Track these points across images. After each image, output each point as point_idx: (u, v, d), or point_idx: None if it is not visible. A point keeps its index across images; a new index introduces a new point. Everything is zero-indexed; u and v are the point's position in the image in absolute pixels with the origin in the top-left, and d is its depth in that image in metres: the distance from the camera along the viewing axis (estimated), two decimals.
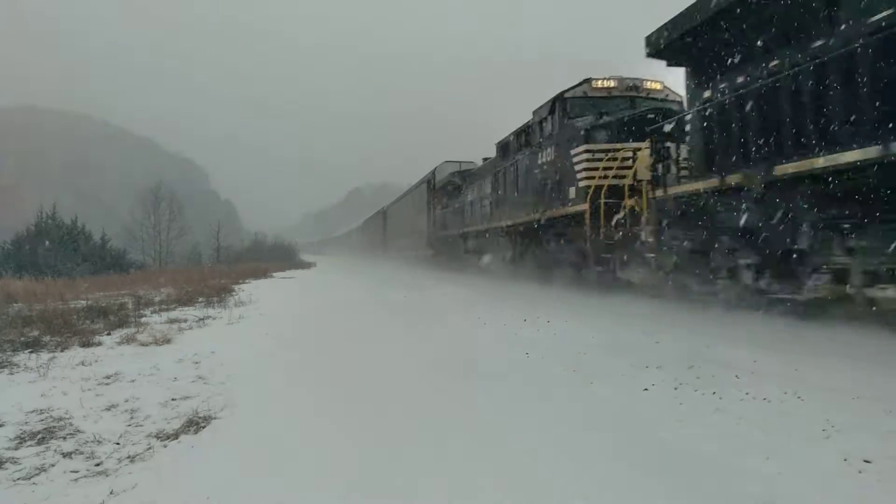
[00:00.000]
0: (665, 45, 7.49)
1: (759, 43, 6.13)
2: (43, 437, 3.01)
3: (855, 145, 4.64)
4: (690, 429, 2.86)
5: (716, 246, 6.45)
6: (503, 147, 14.90)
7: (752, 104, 5.96)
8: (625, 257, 8.49)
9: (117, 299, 10.09)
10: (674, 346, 4.83)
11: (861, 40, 4.68)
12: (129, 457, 2.71)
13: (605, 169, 9.30)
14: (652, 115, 9.18)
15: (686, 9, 6.95)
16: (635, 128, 9.33)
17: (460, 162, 22.01)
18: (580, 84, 11.03)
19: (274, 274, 23.18)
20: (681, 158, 7.42)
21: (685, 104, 7.93)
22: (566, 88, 11.06)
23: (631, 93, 10.78)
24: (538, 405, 3.38)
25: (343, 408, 3.45)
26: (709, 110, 6.72)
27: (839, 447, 2.50)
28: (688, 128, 7.29)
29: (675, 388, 3.59)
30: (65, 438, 2.99)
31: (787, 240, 5.48)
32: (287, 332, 6.79)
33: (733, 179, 6.06)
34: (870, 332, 4.84)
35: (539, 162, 11.97)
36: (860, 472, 2.28)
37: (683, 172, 7.30)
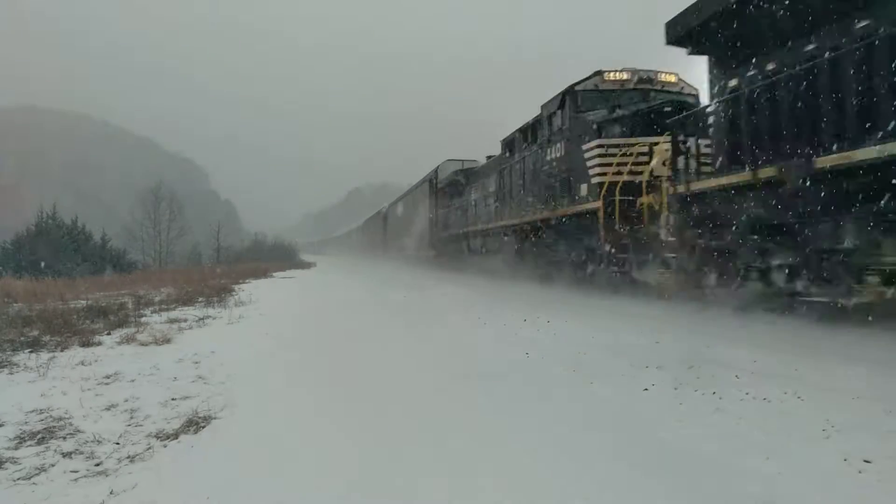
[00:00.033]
0: (687, 32, 7.08)
1: (793, 26, 5.69)
2: (43, 437, 3.01)
3: None
4: (690, 429, 2.85)
5: (745, 245, 6.04)
6: (508, 144, 14.45)
7: (786, 92, 5.57)
8: (641, 257, 8.14)
9: (117, 299, 10.09)
10: (674, 347, 4.83)
11: None
12: (129, 457, 2.70)
13: (619, 165, 8.87)
14: (668, 108, 8.70)
15: None
16: (651, 121, 8.89)
17: (463, 160, 21.67)
18: (591, 76, 10.57)
19: (274, 274, 23.20)
20: (701, 153, 7.07)
21: (707, 95, 7.42)
22: (576, 81, 10.61)
23: (644, 85, 10.34)
24: (538, 405, 3.38)
25: (343, 408, 3.45)
26: (736, 100, 6.30)
27: (839, 447, 2.50)
28: (711, 120, 6.88)
29: (675, 389, 3.59)
30: (65, 438, 2.99)
31: (829, 238, 5.07)
32: (287, 331, 6.79)
33: (767, 173, 5.62)
34: (870, 332, 4.84)
35: (548, 158, 11.55)
36: (860, 472, 2.28)
37: (706, 168, 6.95)
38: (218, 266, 27.54)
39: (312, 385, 4.10)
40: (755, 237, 5.91)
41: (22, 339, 5.86)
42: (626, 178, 8.65)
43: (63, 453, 2.77)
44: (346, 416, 3.27)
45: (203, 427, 3.12)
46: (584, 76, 10.65)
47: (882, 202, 4.64)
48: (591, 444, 2.70)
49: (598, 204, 8.96)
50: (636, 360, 4.33)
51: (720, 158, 6.60)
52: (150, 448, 2.82)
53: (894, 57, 4.53)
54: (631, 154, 8.81)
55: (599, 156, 9.32)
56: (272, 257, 44.20)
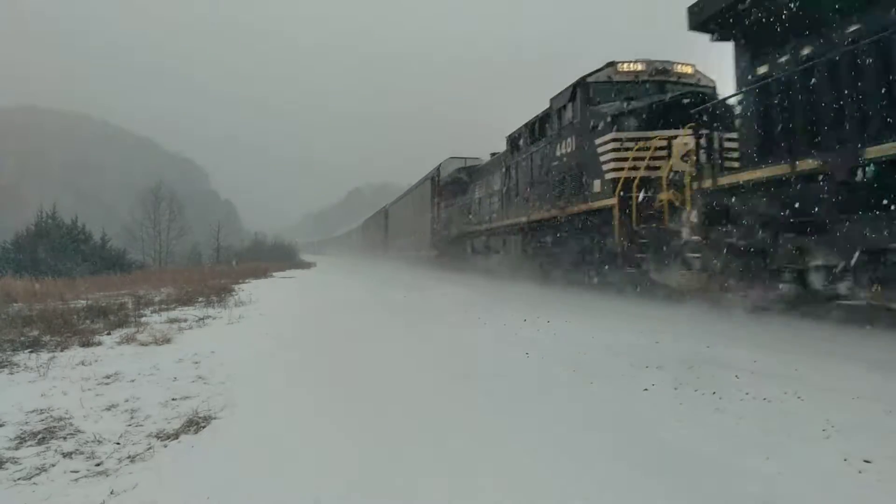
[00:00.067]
0: (711, 16, 6.69)
1: (832, 7, 5.30)
2: (43, 437, 3.01)
3: None
4: (690, 429, 2.86)
5: (779, 244, 5.61)
6: (514, 140, 13.96)
7: (826, 78, 5.15)
8: (661, 257, 7.66)
9: (117, 299, 10.09)
10: (674, 347, 4.83)
11: None
12: (129, 457, 2.71)
13: (635, 159, 8.40)
14: (687, 100, 8.28)
15: None
16: (668, 114, 8.44)
17: (465, 158, 21.27)
18: (604, 68, 10.05)
19: (274, 274, 23.21)
20: (726, 146, 6.74)
21: (735, 83, 6.93)
22: (588, 73, 10.12)
23: (660, 77, 9.84)
24: (538, 405, 3.38)
25: (343, 408, 3.45)
26: (768, 88, 5.90)
27: (839, 447, 2.50)
28: (738, 110, 6.52)
29: (675, 389, 3.59)
30: (65, 438, 2.99)
31: (880, 235, 4.65)
32: (287, 331, 6.79)
33: (807, 165, 5.19)
34: (870, 332, 4.85)
35: (557, 154, 11.02)
36: (860, 472, 2.28)
37: (730, 164, 6.59)
38: (222, 264, 27.57)
39: (312, 385, 4.11)
40: (791, 235, 5.46)
41: (22, 339, 5.86)
42: (643, 173, 8.18)
43: (63, 453, 2.77)
44: (346, 416, 3.27)
45: (203, 427, 3.12)
46: (596, 68, 10.14)
47: None
48: (591, 444, 2.70)
49: (613, 201, 8.55)
50: (636, 360, 4.34)
51: (749, 151, 6.16)
52: (150, 448, 2.82)
53: None
54: (648, 148, 8.31)
55: (614, 150, 8.83)
56: (272, 257, 44.21)
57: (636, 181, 8.19)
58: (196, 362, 4.88)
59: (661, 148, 8.26)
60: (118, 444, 2.89)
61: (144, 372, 4.50)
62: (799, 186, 5.36)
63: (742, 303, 6.12)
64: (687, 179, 7.20)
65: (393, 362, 4.79)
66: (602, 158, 9.13)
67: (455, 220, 19.79)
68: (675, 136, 8.01)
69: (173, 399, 3.71)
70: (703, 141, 6.86)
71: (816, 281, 5.28)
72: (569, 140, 10.55)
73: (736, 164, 6.65)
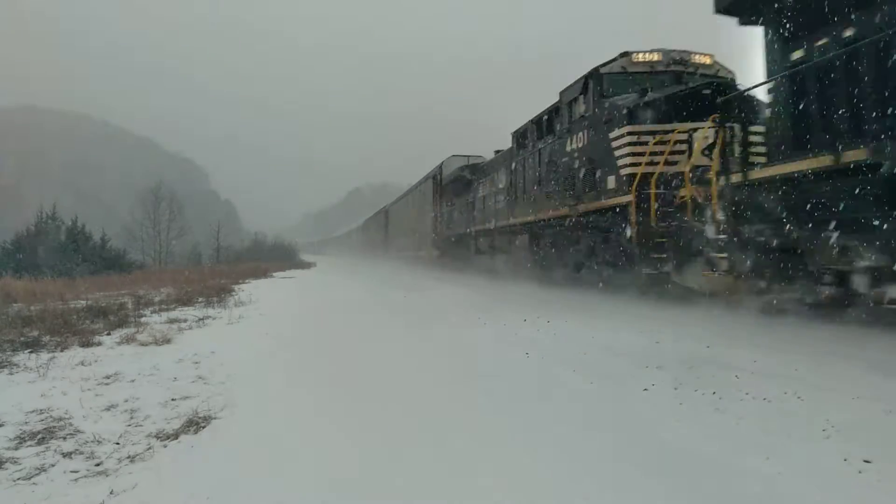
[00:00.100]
0: None
1: None
2: (43, 437, 3.01)
3: None
4: (690, 429, 2.86)
5: (818, 243, 5.20)
6: (520, 136, 13.41)
7: (876, 60, 4.74)
8: (682, 257, 7.24)
9: (117, 299, 10.09)
10: (674, 347, 4.83)
11: None
12: (129, 457, 2.71)
13: (652, 154, 7.93)
14: (708, 91, 7.82)
15: None
16: (688, 105, 7.94)
17: (468, 156, 20.66)
18: (617, 58, 9.51)
19: (274, 274, 23.22)
20: (753, 139, 6.36)
21: (764, 71, 6.34)
22: (601, 63, 9.58)
23: (677, 67, 9.29)
24: (538, 405, 3.38)
25: (343, 408, 3.45)
26: (804, 73, 5.51)
27: (839, 447, 2.50)
28: (769, 99, 6.10)
29: (675, 389, 3.59)
30: (65, 438, 2.99)
31: None
32: (287, 332, 6.79)
33: (855, 156, 4.75)
34: (870, 332, 4.84)
35: (567, 149, 10.49)
36: (860, 472, 2.28)
37: (756, 158, 6.23)
38: (223, 264, 27.58)
39: (312, 385, 4.11)
40: (833, 233, 5.02)
41: (22, 339, 5.86)
42: (662, 168, 7.70)
43: (63, 453, 2.77)
44: (346, 416, 3.27)
45: (203, 427, 3.12)
46: (609, 58, 9.61)
47: None
48: (592, 444, 2.70)
49: (630, 198, 8.00)
50: (636, 360, 4.34)
51: (783, 143, 5.77)
52: (150, 448, 2.82)
53: None
54: (667, 142, 7.82)
55: (630, 144, 8.32)
56: (272, 257, 44.21)
57: (654, 177, 7.68)
58: (196, 362, 4.88)
59: (681, 141, 7.79)
60: (118, 444, 2.89)
61: (144, 372, 4.50)
62: (843, 180, 4.94)
63: (772, 306, 5.78)
64: (713, 174, 6.63)
65: (393, 362, 4.79)
66: (617, 153, 8.64)
67: (458, 219, 19.35)
68: (696, 129, 7.53)
69: (173, 399, 3.71)
70: (730, 133, 6.43)
71: (861, 284, 4.86)
72: (580, 134, 10.02)
73: (762, 158, 6.34)
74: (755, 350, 4.41)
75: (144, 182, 51.35)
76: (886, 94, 4.70)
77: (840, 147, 4.89)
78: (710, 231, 6.63)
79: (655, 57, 9.36)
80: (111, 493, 2.31)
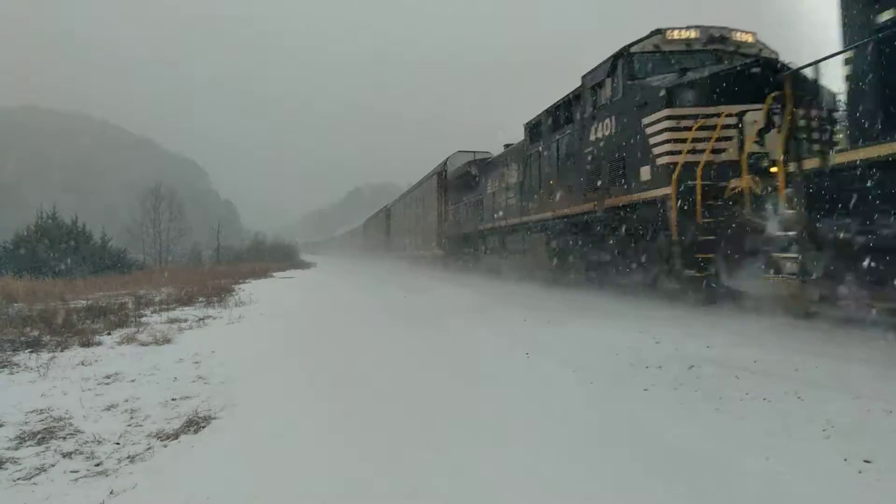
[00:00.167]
0: None
1: None
2: (43, 437, 3.01)
3: None
4: (691, 428, 2.86)
5: None
6: (534, 127, 12.48)
7: None
8: (736, 258, 6.40)
9: (117, 299, 10.10)
10: (674, 347, 4.83)
11: None
12: (129, 457, 2.71)
13: (695, 140, 7.01)
14: (757, 69, 7.00)
15: None
16: (734, 86, 7.07)
17: (475, 152, 19.99)
18: (649, 36, 8.60)
19: (274, 274, 23.23)
20: (824, 117, 5.66)
21: (842, 38, 5.47)
22: (631, 42, 8.69)
23: (716, 45, 8.39)
24: (539, 406, 3.38)
25: (343, 408, 3.45)
26: None
27: (839, 447, 2.50)
28: (847, 70, 5.31)
29: (675, 389, 3.59)
30: (65, 438, 3.00)
31: None
32: (287, 332, 6.80)
33: None
34: (870, 332, 4.84)
35: (591, 138, 9.50)
36: (860, 472, 2.28)
37: (821, 150, 5.37)
38: (218, 266, 27.58)
39: (312, 385, 4.11)
40: None
41: (22, 339, 5.87)
42: (708, 157, 6.83)
43: (63, 453, 2.78)
44: (346, 416, 3.27)
45: (203, 427, 3.12)
46: (640, 37, 8.74)
47: None
48: (592, 444, 2.70)
49: (668, 190, 7.10)
50: (636, 360, 4.33)
51: (866, 120, 5.04)
52: (150, 448, 2.82)
53: None
54: (713, 127, 6.93)
55: (669, 130, 7.37)
56: (272, 257, 44.18)
57: (700, 166, 6.75)
58: (196, 362, 4.89)
59: (730, 126, 6.91)
60: (118, 444, 2.89)
61: (144, 372, 4.50)
62: None
63: (866, 316, 5.05)
64: (779, 160, 5.76)
65: (393, 362, 4.79)
66: (652, 140, 7.70)
67: (464, 217, 18.46)
68: (747, 111, 6.75)
69: (173, 399, 3.72)
70: (801, 114, 5.65)
71: None
72: (607, 121, 9.05)
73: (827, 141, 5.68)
74: (755, 350, 4.38)
75: (144, 182, 51.27)
76: None
77: None
78: (772, 227, 5.87)
79: (692, 34, 8.46)
80: (111, 493, 2.31)
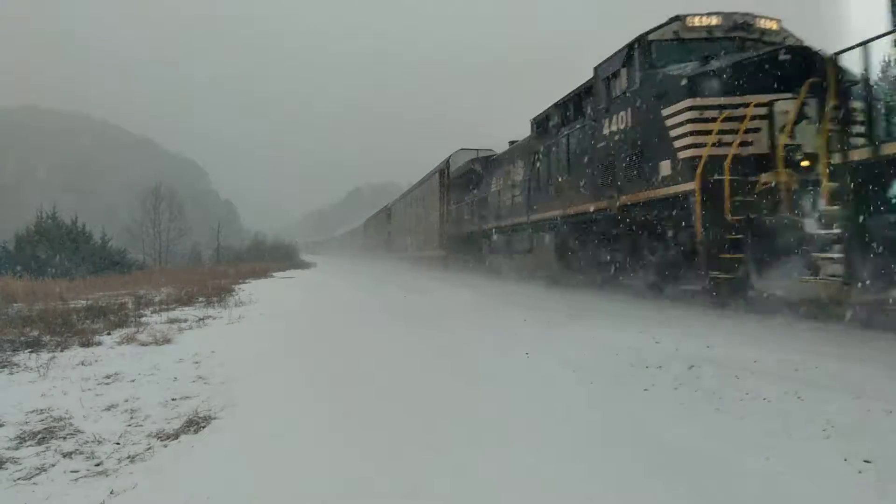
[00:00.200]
0: None
1: None
2: (43, 437, 3.01)
3: None
4: (691, 428, 2.86)
5: None
6: (541, 122, 12.04)
7: None
8: (769, 259, 6.01)
9: (117, 299, 10.10)
10: (674, 347, 4.83)
11: None
12: (129, 457, 2.71)
13: (721, 133, 6.60)
14: (786, 56, 6.62)
15: None
16: (763, 74, 6.65)
17: (478, 150, 19.57)
18: (668, 23, 8.17)
19: (274, 274, 23.23)
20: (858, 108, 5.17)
21: (890, 17, 4.86)
22: (649, 29, 8.24)
23: (739, 33, 7.93)
24: (539, 406, 3.38)
25: (343, 408, 3.46)
26: None
27: (839, 447, 2.50)
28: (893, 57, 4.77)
29: (675, 389, 3.59)
30: (65, 438, 3.00)
31: None
32: (287, 332, 6.80)
33: None
34: (870, 332, 4.84)
35: (605, 132, 9.02)
36: (860, 472, 2.28)
37: (871, 139, 4.78)
38: (218, 266, 27.59)
39: (312, 385, 4.11)
40: None
41: (22, 339, 5.87)
42: (736, 150, 6.40)
43: (63, 453, 2.78)
44: (346, 416, 3.27)
45: (203, 427, 3.12)
46: (658, 24, 8.28)
47: None
48: (594, 444, 2.70)
49: (692, 185, 6.64)
50: (636, 360, 4.33)
51: None
52: (150, 448, 2.82)
53: None
54: (741, 118, 6.52)
55: (692, 121, 6.92)
56: (272, 257, 44.19)
57: (728, 159, 6.32)
58: (196, 362, 4.89)
59: (759, 117, 6.52)
60: (118, 444, 2.89)
61: (144, 372, 4.50)
62: None
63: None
64: (821, 152, 5.33)
65: (394, 362, 4.79)
66: (673, 133, 7.24)
67: (468, 216, 17.94)
68: (776, 101, 6.42)
69: (173, 399, 3.72)
70: (840, 103, 5.18)
71: None
72: (622, 114, 8.58)
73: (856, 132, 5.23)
74: (755, 350, 4.38)
75: (144, 182, 51.30)
76: None
77: None
78: (810, 225, 5.50)
79: (714, 21, 8.01)
80: (111, 493, 2.31)
